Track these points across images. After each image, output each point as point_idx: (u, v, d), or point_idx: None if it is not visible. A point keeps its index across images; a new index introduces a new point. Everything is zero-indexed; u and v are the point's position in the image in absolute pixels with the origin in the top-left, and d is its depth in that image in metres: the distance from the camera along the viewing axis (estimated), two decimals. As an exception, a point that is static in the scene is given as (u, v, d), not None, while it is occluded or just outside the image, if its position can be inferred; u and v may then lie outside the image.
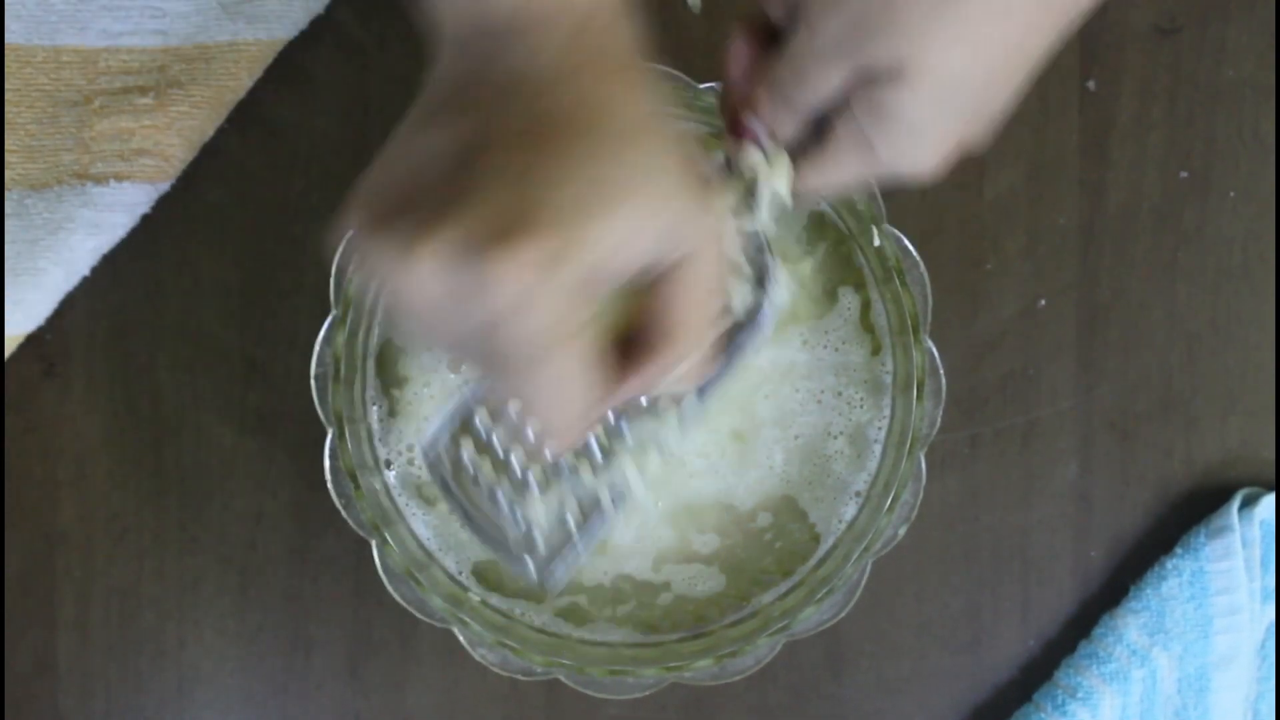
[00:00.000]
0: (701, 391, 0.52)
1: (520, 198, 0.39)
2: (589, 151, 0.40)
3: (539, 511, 0.53)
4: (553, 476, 0.53)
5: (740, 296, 0.52)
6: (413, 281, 0.39)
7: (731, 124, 0.49)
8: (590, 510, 0.53)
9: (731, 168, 0.49)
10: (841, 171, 0.48)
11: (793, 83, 0.46)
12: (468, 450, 0.54)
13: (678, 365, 0.44)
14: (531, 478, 0.53)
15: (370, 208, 0.41)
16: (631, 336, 0.44)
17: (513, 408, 0.53)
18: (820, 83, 0.46)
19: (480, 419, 0.53)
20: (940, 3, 0.42)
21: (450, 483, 0.54)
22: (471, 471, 0.53)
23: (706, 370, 0.46)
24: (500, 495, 0.53)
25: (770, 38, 0.48)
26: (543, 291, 0.38)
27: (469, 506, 0.54)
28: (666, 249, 0.41)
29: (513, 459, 0.53)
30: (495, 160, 0.40)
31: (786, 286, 0.52)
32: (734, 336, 0.52)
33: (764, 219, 0.50)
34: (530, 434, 0.53)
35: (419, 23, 0.45)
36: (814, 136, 0.48)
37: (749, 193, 0.50)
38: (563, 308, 0.39)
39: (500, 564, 0.53)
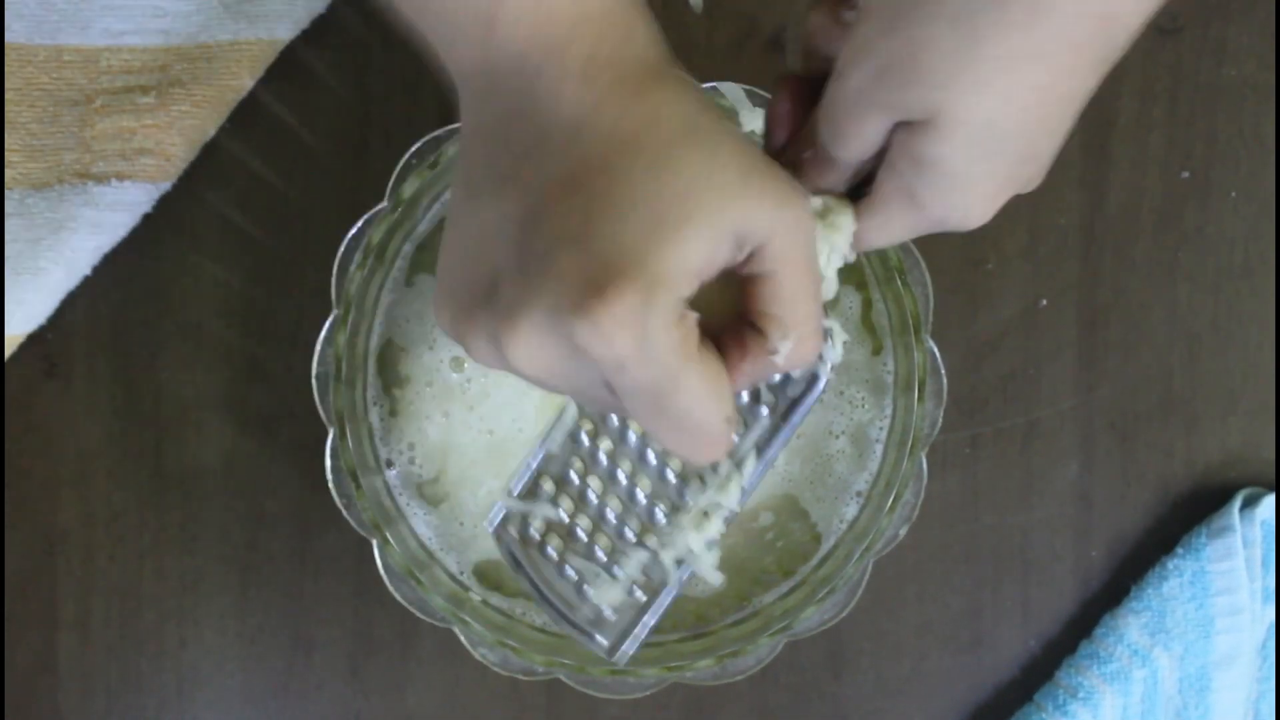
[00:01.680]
0: (761, 454, 0.50)
1: (590, 252, 0.39)
2: (641, 175, 0.40)
3: (615, 593, 0.52)
4: (619, 546, 0.52)
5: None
6: (522, 359, 0.40)
7: None
8: (655, 579, 0.52)
9: None
10: (891, 225, 0.47)
11: (830, 138, 0.45)
12: (536, 524, 0.53)
13: (786, 347, 0.43)
14: (599, 550, 0.52)
15: (455, 303, 0.42)
16: (735, 324, 0.44)
17: (574, 472, 0.52)
18: (856, 136, 0.44)
19: (546, 487, 0.53)
20: (963, 49, 0.40)
21: (519, 556, 0.53)
22: (540, 541, 0.53)
23: (815, 348, 0.45)
24: (570, 571, 0.52)
25: (810, 91, 0.47)
26: (647, 334, 0.39)
27: (539, 581, 0.53)
28: (745, 243, 0.41)
29: (579, 530, 0.53)
30: (553, 221, 0.40)
31: (841, 343, 0.50)
32: (789, 399, 0.50)
33: (831, 269, 0.48)
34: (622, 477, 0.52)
35: (438, 77, 0.44)
36: (860, 191, 0.47)
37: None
38: (670, 338, 0.40)
39: (571, 639, 0.53)
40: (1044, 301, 0.66)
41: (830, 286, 0.48)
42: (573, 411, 0.52)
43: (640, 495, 0.51)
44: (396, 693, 0.66)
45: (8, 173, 0.64)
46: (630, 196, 0.40)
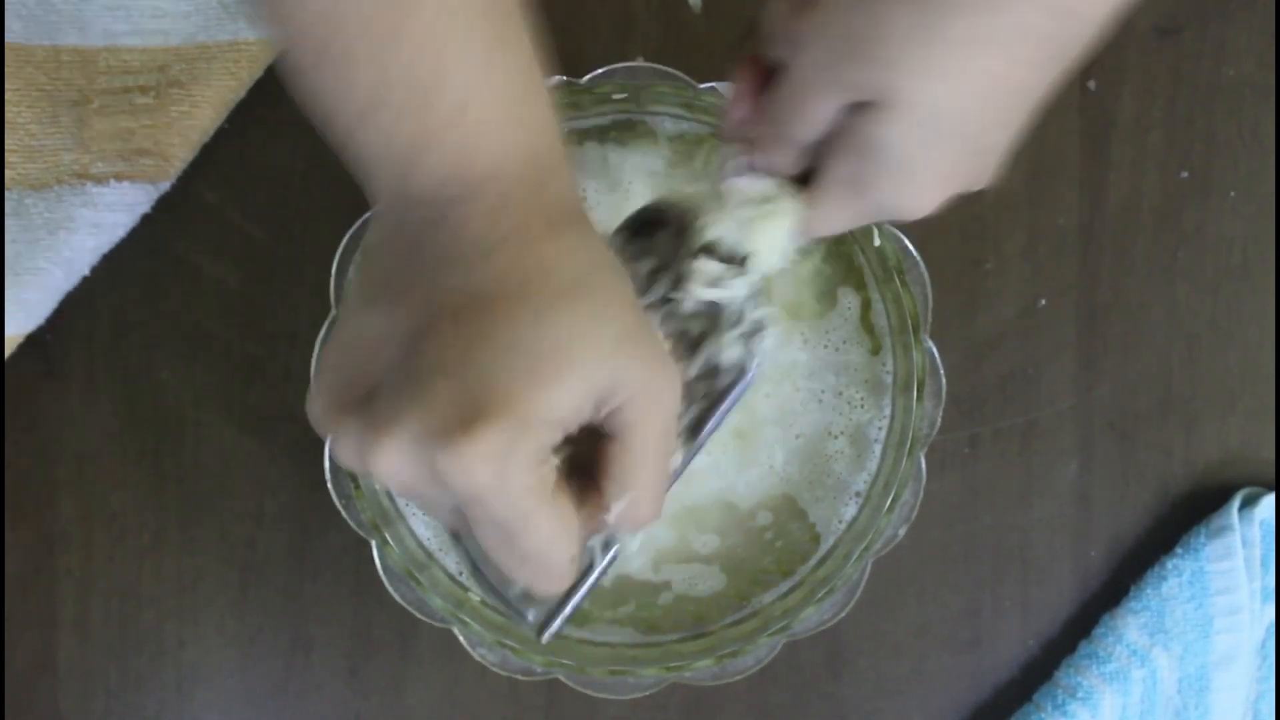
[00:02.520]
0: (690, 440, 0.51)
1: (467, 382, 0.40)
2: (525, 320, 0.41)
3: None
4: None
5: (728, 349, 0.51)
6: (384, 470, 0.41)
7: (733, 164, 0.49)
8: (584, 560, 0.52)
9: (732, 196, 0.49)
10: (837, 211, 0.47)
11: (786, 114, 0.46)
12: None
13: (618, 508, 0.45)
14: None
15: (330, 399, 0.43)
16: (595, 469, 0.45)
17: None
18: (811, 113, 0.45)
19: None
20: (918, 31, 0.41)
21: (460, 530, 0.54)
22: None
23: (649, 516, 0.46)
24: None
25: (771, 78, 0.47)
26: (506, 469, 0.40)
27: (476, 556, 0.53)
28: (609, 399, 0.42)
29: None
30: (437, 347, 0.41)
31: (773, 338, 0.51)
32: (719, 388, 0.52)
33: (771, 259, 0.49)
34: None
35: (363, 190, 0.45)
36: (810, 179, 0.47)
37: (747, 233, 0.49)
38: (526, 480, 0.41)
39: (501, 612, 0.54)
40: (1043, 301, 0.66)
41: (773, 262, 0.49)
42: None
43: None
44: (395, 693, 0.66)
45: (6, 173, 0.64)
46: (511, 339, 0.41)
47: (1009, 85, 0.42)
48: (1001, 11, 0.40)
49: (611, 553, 0.52)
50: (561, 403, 0.41)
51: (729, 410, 0.52)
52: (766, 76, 0.47)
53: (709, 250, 0.50)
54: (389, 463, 0.41)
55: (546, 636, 0.52)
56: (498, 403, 0.40)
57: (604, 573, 0.52)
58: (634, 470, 0.44)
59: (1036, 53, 0.42)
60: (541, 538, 0.42)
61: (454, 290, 0.42)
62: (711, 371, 0.50)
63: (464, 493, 0.41)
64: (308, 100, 0.44)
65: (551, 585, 0.45)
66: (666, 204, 0.51)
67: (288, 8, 0.41)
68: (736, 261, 0.50)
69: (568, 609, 0.52)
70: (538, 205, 0.43)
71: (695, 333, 0.51)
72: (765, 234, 0.48)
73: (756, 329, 0.51)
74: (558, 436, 0.42)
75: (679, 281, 0.50)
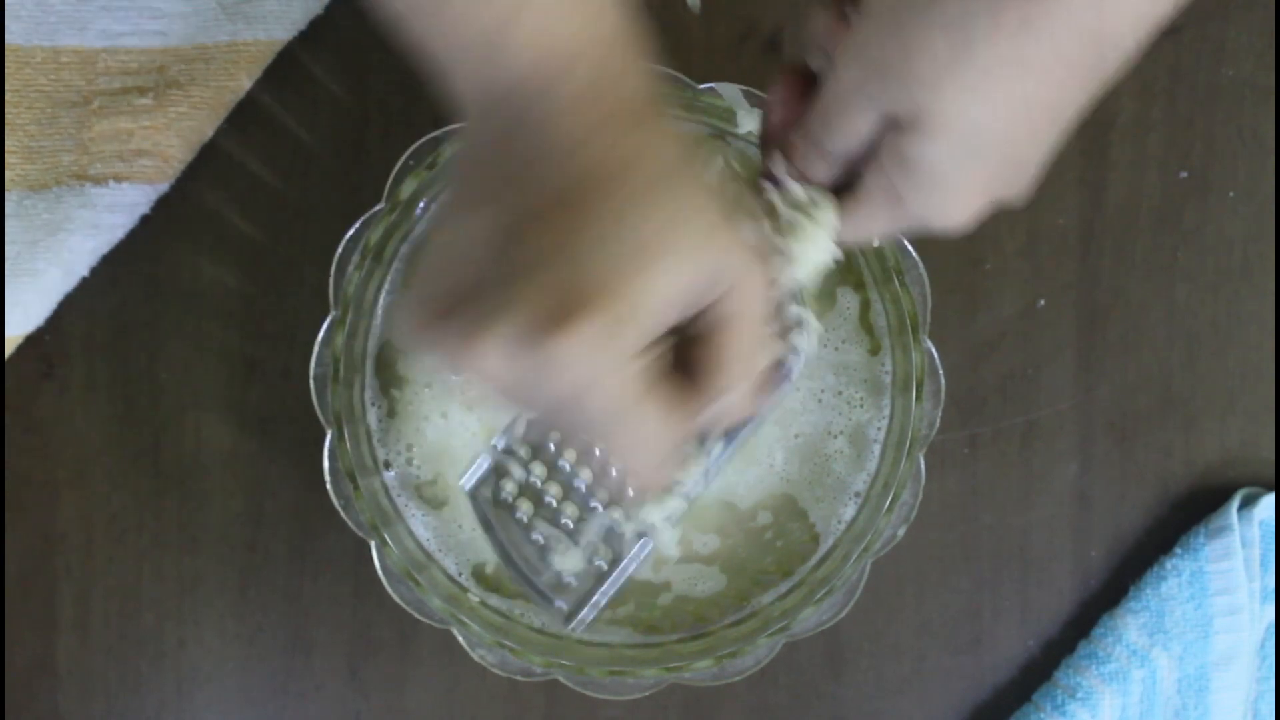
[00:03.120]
0: (728, 439, 0.52)
1: (565, 274, 0.40)
2: (620, 211, 0.41)
3: (575, 560, 0.53)
4: (586, 514, 0.53)
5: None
6: (484, 370, 0.41)
7: (767, 172, 0.49)
8: (617, 550, 0.53)
9: (775, 214, 0.49)
10: (872, 221, 0.48)
11: (821, 128, 0.46)
12: (509, 486, 0.54)
13: (730, 396, 0.44)
14: (566, 518, 0.54)
15: (430, 304, 0.43)
16: (689, 367, 0.44)
17: (551, 441, 0.54)
18: (847, 129, 0.45)
19: (522, 453, 0.54)
20: (955, 53, 0.42)
21: (491, 518, 0.54)
22: (511, 503, 0.54)
23: (757, 402, 0.46)
24: (537, 535, 0.54)
25: (810, 86, 0.48)
26: (607, 362, 0.40)
27: (508, 544, 0.54)
28: (710, 289, 0.42)
29: (548, 496, 0.54)
30: (535, 239, 0.41)
31: (815, 335, 0.51)
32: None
33: (806, 267, 0.49)
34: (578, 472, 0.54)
35: (440, 93, 0.45)
36: (848, 186, 0.48)
37: (784, 242, 0.49)
38: (629, 371, 0.41)
39: (530, 600, 0.54)
40: (1043, 301, 0.66)
41: (811, 265, 0.49)
42: None
43: (612, 468, 0.53)
44: (395, 693, 0.66)
45: (6, 174, 0.64)
46: (606, 231, 0.41)
47: (1044, 106, 0.43)
48: (1036, 37, 0.41)
49: (642, 544, 0.52)
50: (662, 290, 0.40)
51: (769, 411, 0.52)
52: (806, 85, 0.48)
53: None
54: (491, 361, 0.40)
55: (574, 625, 0.53)
56: (597, 293, 0.40)
57: (636, 566, 0.53)
58: (735, 361, 0.44)
59: (1071, 76, 0.43)
60: (640, 430, 0.42)
61: (548, 184, 0.41)
62: None
63: (565, 387, 0.40)
64: (382, 2, 0.43)
65: (645, 480, 0.45)
66: None
67: None
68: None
69: (596, 597, 0.53)
70: (622, 95, 0.43)
71: None
72: (804, 237, 0.48)
73: (795, 327, 0.51)
74: (659, 328, 0.41)
75: None
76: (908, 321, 0.59)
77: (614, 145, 0.42)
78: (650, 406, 0.42)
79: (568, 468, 0.54)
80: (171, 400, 0.66)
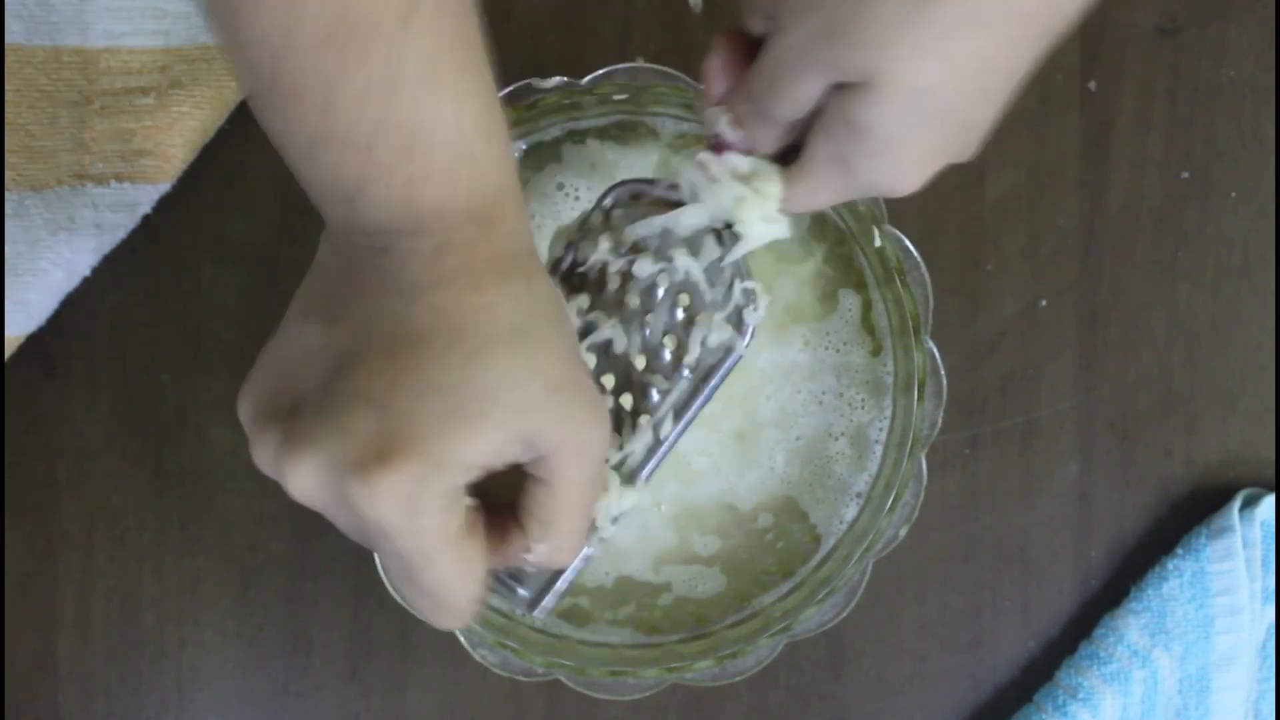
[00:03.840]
0: (679, 417, 0.52)
1: (386, 417, 0.41)
2: (454, 363, 0.41)
3: None
4: None
5: (716, 330, 0.52)
6: (295, 488, 0.42)
7: (712, 141, 0.49)
8: None
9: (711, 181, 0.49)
10: (820, 190, 0.47)
11: (766, 94, 0.45)
12: None
13: (540, 550, 0.45)
14: None
15: (256, 401, 0.44)
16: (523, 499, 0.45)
17: None
18: (793, 94, 0.44)
19: None
20: (907, 12, 0.40)
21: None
22: None
23: (568, 558, 0.47)
24: None
25: (751, 51, 0.47)
26: (415, 512, 0.41)
27: None
28: (525, 453, 0.43)
29: None
30: (365, 375, 0.41)
31: (764, 308, 0.51)
32: (707, 365, 0.52)
33: (753, 240, 0.49)
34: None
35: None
36: (795, 153, 0.47)
37: (729, 210, 0.49)
38: (434, 521, 0.41)
39: (493, 588, 0.54)
40: (1044, 302, 0.66)
41: (758, 238, 0.49)
42: None
43: None
44: (396, 693, 0.66)
45: (7, 174, 0.64)
46: (437, 380, 0.41)
47: (996, 65, 0.42)
48: None
49: (605, 530, 0.52)
50: (477, 450, 0.41)
51: (717, 387, 0.52)
52: (747, 51, 0.47)
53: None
54: (302, 482, 0.41)
55: (539, 611, 0.53)
56: (414, 442, 0.40)
57: (595, 551, 0.52)
58: (557, 517, 0.44)
59: (1024, 32, 0.42)
60: (442, 577, 0.43)
61: (390, 321, 0.42)
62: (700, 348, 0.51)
63: (370, 523, 0.41)
64: (263, 125, 0.44)
65: (448, 622, 0.45)
66: (647, 179, 0.51)
67: (240, 38, 0.41)
68: (720, 236, 0.50)
69: (560, 584, 0.52)
70: (485, 246, 0.43)
71: (684, 314, 0.51)
72: (749, 210, 0.48)
73: (745, 303, 0.51)
74: (472, 478, 0.42)
75: (660, 254, 0.51)
76: (909, 322, 0.59)
77: (467, 295, 0.42)
78: (454, 554, 0.43)
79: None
80: (173, 400, 0.66)
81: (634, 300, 0.52)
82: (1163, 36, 0.67)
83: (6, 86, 0.63)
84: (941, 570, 0.67)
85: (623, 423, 0.52)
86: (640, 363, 0.52)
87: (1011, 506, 0.67)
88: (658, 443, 0.52)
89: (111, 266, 0.65)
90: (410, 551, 0.42)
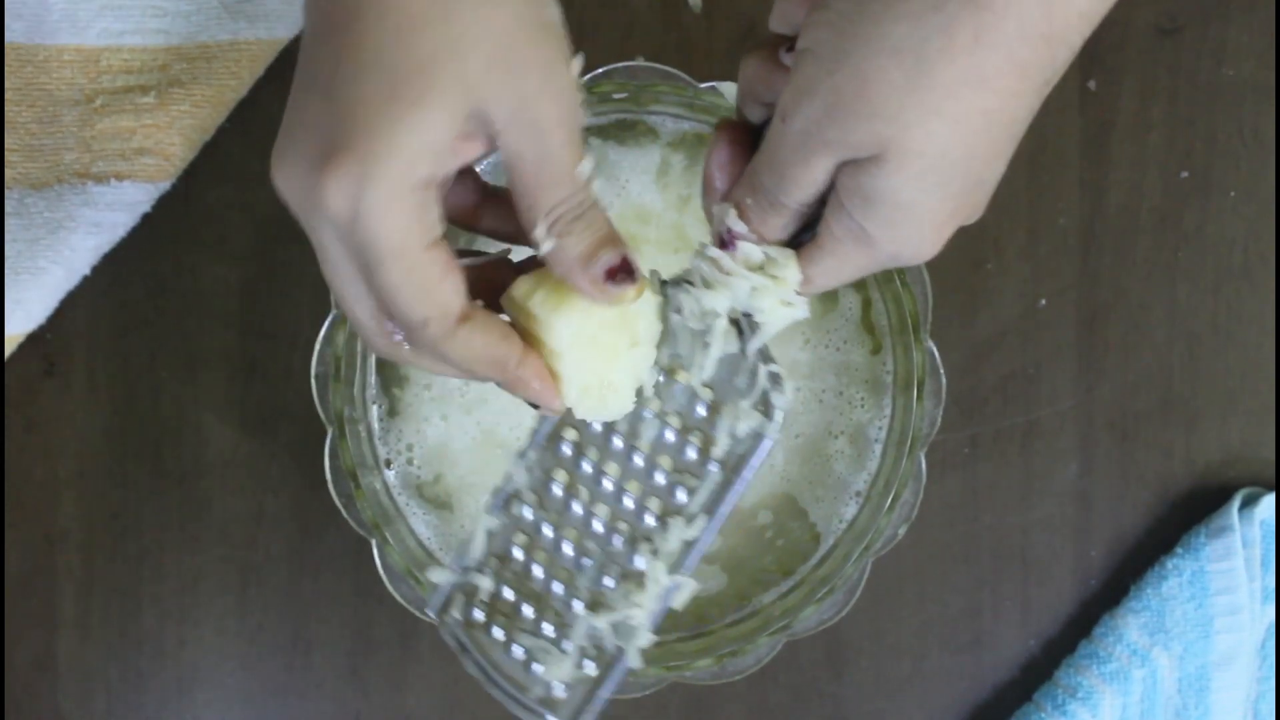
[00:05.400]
0: (711, 512, 0.49)
1: (334, 106, 0.40)
2: (384, 39, 0.39)
3: (563, 669, 0.50)
4: (568, 618, 0.50)
5: (743, 418, 0.49)
6: (283, 194, 0.42)
7: (721, 237, 0.47)
8: (608, 650, 0.50)
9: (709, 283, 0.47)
10: (843, 265, 0.45)
11: (774, 182, 0.44)
12: (480, 608, 0.51)
13: (549, 243, 0.43)
14: (546, 626, 0.50)
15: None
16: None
17: (518, 545, 0.51)
18: (804, 178, 0.43)
19: (490, 568, 0.51)
20: (912, 78, 0.40)
21: (465, 641, 0.51)
22: (484, 622, 0.51)
23: (593, 242, 0.44)
24: (517, 650, 0.50)
25: (750, 140, 0.46)
26: (361, 201, 0.39)
27: (486, 665, 0.51)
28: (487, 126, 0.41)
29: (524, 608, 0.51)
30: (309, 60, 0.41)
31: (790, 392, 0.49)
32: (737, 455, 0.49)
33: (774, 327, 0.47)
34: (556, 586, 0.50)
35: None
36: (808, 232, 0.46)
37: (746, 301, 0.47)
38: (391, 217, 0.40)
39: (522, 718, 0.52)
40: (1044, 301, 0.66)
41: (778, 326, 0.47)
42: (521, 479, 0.50)
43: (586, 562, 0.50)
44: (396, 692, 0.66)
45: (7, 173, 0.64)
46: (373, 59, 0.39)
47: (1002, 119, 0.42)
48: (992, 48, 0.40)
49: (643, 639, 0.49)
50: (424, 134, 0.39)
51: (749, 479, 0.49)
52: (746, 141, 0.46)
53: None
54: (283, 184, 0.41)
55: None
56: (358, 130, 0.39)
57: (631, 664, 0.49)
58: (530, 195, 0.42)
59: (1023, 84, 0.41)
60: (395, 283, 0.41)
61: (322, 2, 0.41)
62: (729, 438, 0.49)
63: (331, 220, 0.40)
64: None
65: (386, 347, 0.43)
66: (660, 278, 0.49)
67: None
68: (739, 325, 0.48)
69: (594, 704, 0.49)
70: None
71: (706, 410, 0.49)
72: (767, 298, 0.46)
73: (771, 387, 0.48)
74: (430, 171, 0.40)
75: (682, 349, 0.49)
76: (909, 321, 0.59)
77: None
78: (409, 260, 0.41)
79: (541, 575, 0.50)
80: (172, 399, 0.66)
81: (655, 403, 0.49)
82: (1163, 36, 0.67)
83: (7, 85, 0.64)
84: (941, 570, 0.67)
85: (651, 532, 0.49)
86: (666, 463, 0.49)
87: (1011, 506, 0.67)
88: (691, 542, 0.49)
89: (112, 265, 0.65)
90: (362, 250, 0.41)
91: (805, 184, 0.43)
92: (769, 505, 0.62)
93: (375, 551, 0.60)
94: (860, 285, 0.62)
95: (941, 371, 0.60)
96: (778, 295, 0.46)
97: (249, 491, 0.66)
